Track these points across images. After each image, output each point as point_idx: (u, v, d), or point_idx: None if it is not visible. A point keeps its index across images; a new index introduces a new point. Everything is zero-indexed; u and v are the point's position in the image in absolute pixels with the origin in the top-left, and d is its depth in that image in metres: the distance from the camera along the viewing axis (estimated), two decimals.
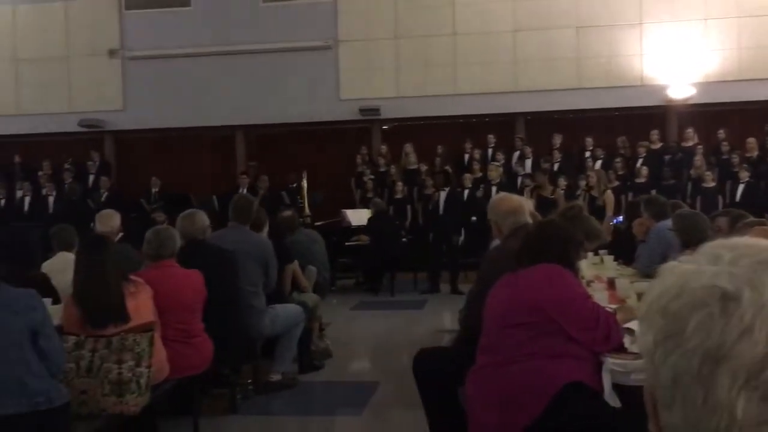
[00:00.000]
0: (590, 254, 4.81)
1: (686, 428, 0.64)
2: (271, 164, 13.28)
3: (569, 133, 12.26)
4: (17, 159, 13.53)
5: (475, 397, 2.81)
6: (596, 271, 4.79)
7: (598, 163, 11.37)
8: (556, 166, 11.53)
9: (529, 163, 11.76)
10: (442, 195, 10.16)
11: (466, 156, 12.34)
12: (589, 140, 11.93)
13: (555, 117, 12.58)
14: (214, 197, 11.54)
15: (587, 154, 11.78)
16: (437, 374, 3.45)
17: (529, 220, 3.72)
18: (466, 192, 10.94)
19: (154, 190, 12.48)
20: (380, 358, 6.37)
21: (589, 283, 4.03)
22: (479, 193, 10.74)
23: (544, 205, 8.84)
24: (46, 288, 4.04)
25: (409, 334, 7.09)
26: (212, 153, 13.90)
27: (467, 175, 11.16)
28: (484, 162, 11.84)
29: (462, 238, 9.99)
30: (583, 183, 10.13)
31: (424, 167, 11.92)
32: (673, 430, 0.66)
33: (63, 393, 2.94)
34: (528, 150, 11.99)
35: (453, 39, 12.86)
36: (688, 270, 0.68)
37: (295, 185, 11.81)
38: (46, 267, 4.62)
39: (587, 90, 12.28)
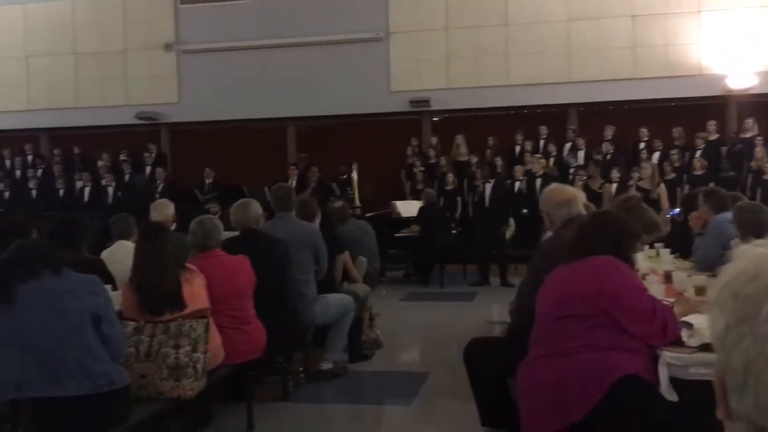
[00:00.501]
0: (645, 247, 4.72)
1: (757, 414, 0.63)
2: (321, 156, 13.38)
3: (623, 125, 12.02)
4: (77, 150, 13.94)
5: (527, 388, 2.80)
6: (652, 264, 4.70)
7: (656, 156, 11.13)
8: (608, 158, 11.33)
9: (581, 155, 11.58)
10: (488, 187, 10.08)
11: (518, 148, 12.22)
12: (643, 131, 11.67)
13: (609, 108, 12.35)
14: (266, 188, 11.68)
15: (641, 145, 11.53)
16: (488, 365, 3.45)
17: (583, 212, 3.67)
18: (517, 184, 10.85)
19: (207, 181, 12.71)
20: (430, 348, 6.38)
21: (644, 276, 3.95)
22: (521, 185, 10.63)
23: (592, 197, 8.71)
24: (104, 274, 4.16)
25: (459, 326, 7.07)
26: (264, 145, 14.07)
27: (518, 167, 11.06)
28: (536, 154, 11.70)
29: (513, 230, 9.90)
30: (636, 175, 9.93)
31: (474, 159, 11.85)
32: (743, 416, 0.64)
33: (124, 376, 3.03)
34: (581, 141, 11.80)
35: (505, 29, 12.72)
36: (764, 254, 0.67)
37: (345, 177, 11.89)
38: (105, 255, 4.75)
39: (643, 80, 12.01)
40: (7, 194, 13.02)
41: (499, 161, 11.36)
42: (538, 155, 11.42)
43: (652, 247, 5.18)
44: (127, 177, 12.99)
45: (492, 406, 3.46)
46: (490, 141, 12.34)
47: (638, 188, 9.03)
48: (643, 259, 4.57)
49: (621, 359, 2.64)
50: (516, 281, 8.60)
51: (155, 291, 3.47)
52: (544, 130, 12.28)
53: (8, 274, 2.87)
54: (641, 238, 3.21)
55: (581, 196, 3.85)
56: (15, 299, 2.82)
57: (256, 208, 4.82)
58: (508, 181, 10.74)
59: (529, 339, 2.92)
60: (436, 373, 5.35)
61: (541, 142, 12.18)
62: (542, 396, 2.67)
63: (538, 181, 10.39)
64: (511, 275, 9.36)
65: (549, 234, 3.81)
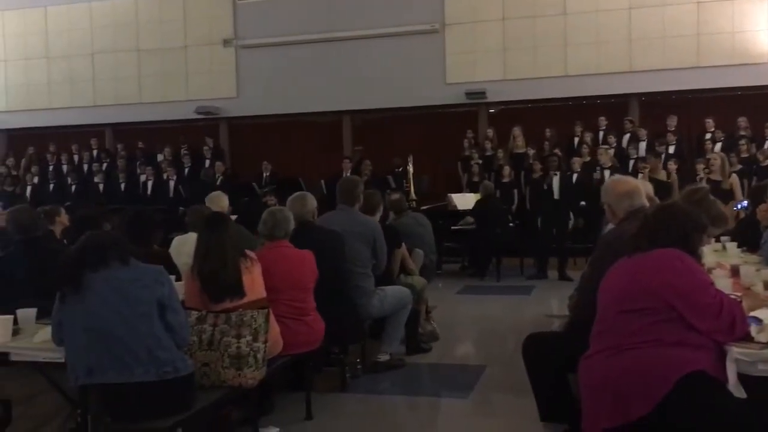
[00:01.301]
0: (712, 240, 4.58)
1: None
2: (376, 149, 13.43)
3: (687, 115, 11.70)
4: (140, 145, 14.32)
5: (589, 383, 2.75)
6: (718, 258, 4.56)
7: (718, 146, 10.79)
8: (671, 149, 11.03)
9: (643, 146, 11.30)
10: (555, 179, 9.94)
11: (576, 139, 12.01)
12: (709, 122, 11.32)
13: (672, 98, 12.02)
14: (322, 181, 11.81)
15: (707, 136, 11.19)
16: (547, 359, 3.40)
17: (646, 204, 3.59)
18: (575, 176, 10.66)
19: (265, 174, 12.91)
20: (487, 342, 6.33)
21: (710, 270, 3.84)
22: (596, 175, 10.43)
23: (657, 189, 8.47)
24: (169, 266, 4.27)
25: (516, 320, 7.01)
26: (320, 138, 14.19)
27: (576, 159, 10.87)
28: (595, 145, 11.48)
29: (572, 222, 9.75)
30: (702, 166, 9.63)
31: (531, 151, 11.70)
32: None
33: (188, 364, 3.10)
34: (642, 132, 11.52)
35: (563, 19, 12.51)
36: None
37: (400, 169, 11.90)
38: (175, 243, 4.89)
39: (707, 68, 11.66)
40: (74, 188, 13.47)
41: (558, 153, 11.19)
42: (605, 146, 11.20)
43: (717, 240, 5.03)
44: (186, 171, 13.29)
45: (551, 401, 3.42)
46: (548, 133, 12.17)
47: (708, 180, 8.75)
48: (709, 252, 4.45)
49: (687, 355, 2.57)
50: (574, 275, 8.49)
51: (216, 278, 3.54)
52: (603, 121, 12.04)
53: (79, 263, 2.97)
54: (708, 231, 3.11)
55: (646, 188, 3.76)
56: (85, 288, 2.92)
57: (311, 201, 4.86)
58: (567, 173, 10.57)
59: (589, 333, 2.87)
60: (492, 366, 5.32)
61: (601, 134, 11.94)
62: (605, 391, 2.62)
63: (606, 173, 10.18)
64: (569, 269, 9.23)
65: (611, 226, 3.74)
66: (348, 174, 11.62)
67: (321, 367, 4.92)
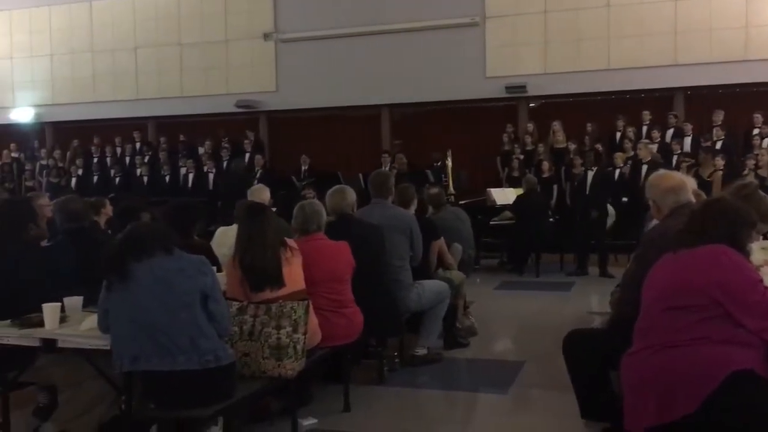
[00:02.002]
0: (760, 237, 4.46)
1: None
2: (415, 142, 13.40)
3: (734, 109, 11.41)
4: (182, 138, 14.52)
5: (632, 381, 2.71)
6: (767, 255, 4.44)
7: (766, 141, 10.52)
8: (718, 144, 10.78)
9: (688, 141, 11.07)
10: (590, 174, 9.79)
11: (618, 134, 11.82)
12: (757, 116, 11.02)
13: (719, 92, 11.74)
14: (360, 175, 11.81)
15: (755, 131, 10.90)
16: (589, 356, 3.36)
17: (692, 199, 3.51)
18: (617, 171, 10.50)
19: (303, 167, 12.97)
20: (525, 338, 6.28)
21: (758, 267, 3.74)
22: (645, 171, 10.25)
23: (701, 185, 8.30)
24: (209, 256, 4.32)
25: (556, 316, 6.93)
26: (359, 132, 14.21)
27: (619, 154, 10.71)
28: (638, 140, 11.28)
29: (613, 219, 9.60)
30: (750, 162, 9.39)
31: (572, 146, 11.55)
32: None
33: (229, 353, 3.14)
34: (688, 127, 11.28)
35: (606, 11, 12.30)
36: None
37: (439, 163, 11.84)
38: (218, 234, 4.96)
39: (756, 62, 11.35)
40: (117, 180, 13.73)
41: (600, 148, 11.02)
42: (646, 141, 11.00)
43: (766, 237, 4.90)
44: (226, 164, 13.44)
45: (592, 398, 3.37)
46: (589, 127, 11.99)
47: (756, 176, 8.54)
48: (757, 249, 4.33)
49: (734, 353, 2.51)
50: (616, 272, 8.37)
51: (256, 267, 3.57)
52: (647, 115, 11.83)
53: (124, 253, 3.02)
54: (757, 228, 3.04)
55: (691, 184, 3.68)
56: (130, 277, 2.98)
57: (351, 194, 4.86)
58: (609, 168, 10.41)
59: (632, 330, 2.83)
60: (531, 363, 5.27)
61: (644, 128, 11.73)
62: (649, 389, 2.58)
63: (644, 168, 10.01)
64: (611, 266, 9.09)
65: (655, 222, 3.67)
66: (387, 168, 11.63)
67: (359, 360, 4.93)
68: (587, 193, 9.79)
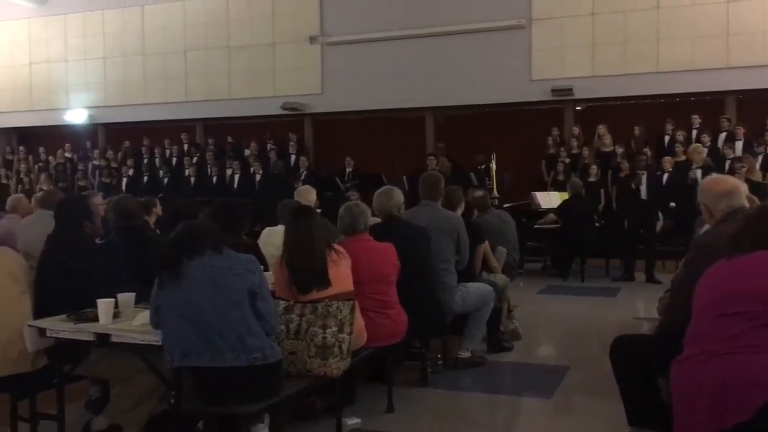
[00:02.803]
0: None
1: None
2: (459, 145, 13.37)
3: None
4: (229, 140, 14.75)
5: (681, 388, 2.66)
6: None
7: None
8: None
9: (740, 145, 10.81)
10: (643, 179, 9.63)
11: (666, 138, 11.61)
12: None
13: None
14: (404, 177, 11.84)
15: None
16: (636, 362, 3.31)
17: (746, 204, 3.44)
18: (666, 176, 10.31)
19: (348, 169, 13.06)
20: (570, 343, 6.21)
21: None
22: (692, 175, 10.06)
23: (751, 190, 8.08)
24: (255, 255, 4.39)
25: (601, 321, 6.85)
26: (403, 134, 14.24)
27: (667, 158, 10.52)
28: (688, 144, 11.05)
29: (661, 224, 9.43)
30: None
31: (619, 149, 11.39)
32: None
33: (276, 351, 3.19)
34: (740, 131, 11.02)
35: (656, 13, 12.11)
36: None
37: (483, 166, 11.80)
38: (265, 234, 5.03)
39: None
40: (166, 180, 14.01)
41: (648, 152, 10.84)
42: (698, 145, 10.78)
43: None
44: (271, 164, 13.59)
45: (640, 405, 3.32)
46: (636, 131, 11.82)
47: None
48: None
49: None
50: (663, 278, 8.21)
51: (304, 268, 3.62)
52: (696, 119, 11.60)
53: (176, 251, 3.09)
54: None
55: (744, 188, 3.60)
56: (182, 274, 3.04)
57: (397, 195, 4.87)
58: (657, 173, 10.23)
59: (682, 336, 2.78)
60: (576, 368, 5.21)
61: (694, 132, 11.50)
62: (699, 396, 2.53)
63: (698, 173, 9.81)
64: (658, 272, 8.93)
65: (707, 227, 3.60)
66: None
67: (402, 361, 4.94)
68: (634, 197, 9.63)
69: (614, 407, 3.54)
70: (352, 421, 4.00)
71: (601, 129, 11.98)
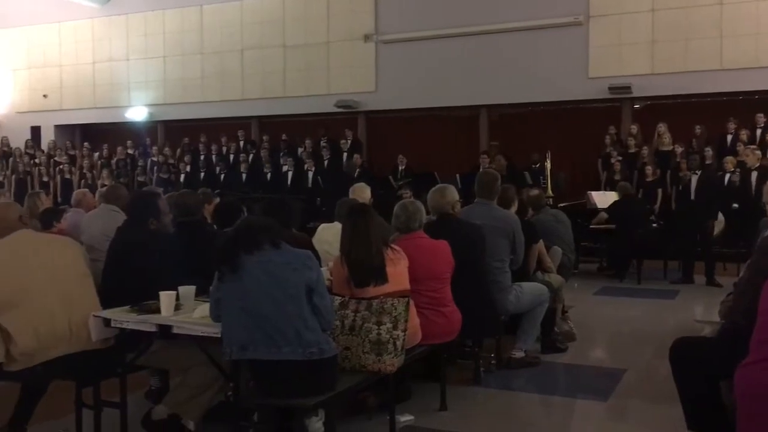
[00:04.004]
0: None
1: None
2: (513, 144, 13.25)
3: None
4: (283, 137, 14.94)
5: (747, 393, 2.59)
6: None
7: None
8: None
9: None
10: (694, 178, 9.38)
11: (729, 137, 11.28)
12: None
13: None
14: (458, 176, 11.79)
15: None
16: (698, 365, 3.23)
17: None
18: (728, 176, 10.02)
19: (400, 167, 13.07)
20: (626, 345, 6.09)
21: None
22: (734, 177, 9.79)
23: None
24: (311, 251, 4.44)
25: (658, 324, 6.71)
26: (456, 132, 14.19)
27: (729, 158, 10.22)
28: (752, 144, 10.72)
29: (722, 226, 9.17)
30: None
31: (679, 148, 11.12)
32: None
33: (332, 346, 3.22)
34: None
35: (719, 9, 11.78)
36: None
37: (537, 165, 11.67)
38: (320, 230, 5.09)
39: None
40: (222, 176, 14.27)
41: (709, 151, 10.55)
42: (753, 146, 10.45)
43: None
44: (326, 162, 13.71)
45: (701, 409, 3.25)
46: (697, 130, 11.52)
47: None
48: None
49: None
50: (724, 281, 7.99)
51: (361, 263, 3.65)
52: (761, 118, 11.24)
53: (235, 245, 3.16)
54: None
55: None
56: (241, 269, 3.10)
57: (452, 193, 4.85)
58: (719, 173, 9.94)
59: (746, 340, 2.70)
60: (633, 371, 5.12)
61: (758, 131, 11.14)
62: (765, 401, 2.46)
63: (754, 175, 9.52)
64: (719, 274, 8.70)
65: None
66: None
67: (455, 359, 4.94)
68: (693, 197, 9.40)
69: (672, 412, 3.47)
70: (405, 418, 4.01)
71: (661, 128, 11.71)
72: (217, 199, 5.95)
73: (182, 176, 14.55)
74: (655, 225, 9.81)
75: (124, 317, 3.45)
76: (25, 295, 3.39)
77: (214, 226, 5.19)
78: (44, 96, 17.35)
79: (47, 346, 3.38)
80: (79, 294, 3.56)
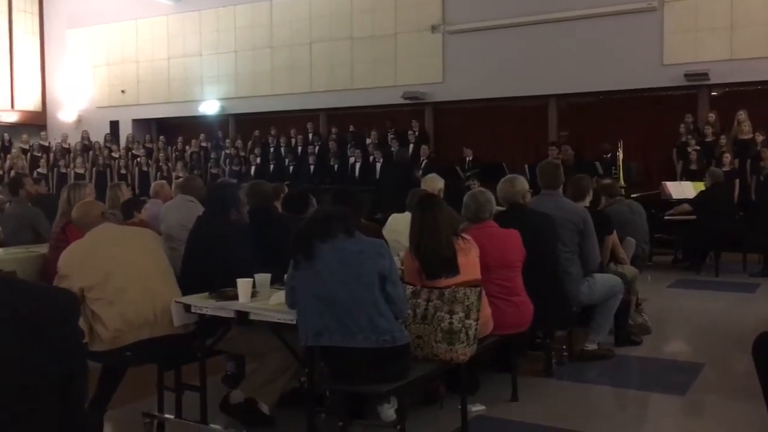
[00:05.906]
0: None
1: None
2: (584, 133, 13.00)
3: None
4: (351, 128, 15.05)
5: None
6: None
7: None
8: None
9: None
10: None
11: None
12: None
13: None
14: (526, 166, 11.64)
15: None
16: None
17: None
18: None
19: (467, 158, 13.00)
20: (704, 339, 5.91)
21: None
22: None
23: None
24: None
25: (738, 318, 6.49)
26: (525, 122, 14.00)
27: None
28: None
29: None
30: None
31: (760, 137, 10.68)
32: None
33: (405, 334, 3.25)
34: None
35: None
36: None
37: (609, 155, 11.41)
38: (390, 220, 5.14)
39: None
40: (291, 168, 14.50)
41: None
42: None
43: None
44: (394, 153, 13.74)
45: None
46: None
47: None
48: None
49: None
50: None
51: (431, 255, 3.65)
52: None
53: (309, 234, 3.22)
54: None
55: None
56: (315, 257, 3.16)
57: (522, 183, 4.81)
58: None
59: None
60: (711, 366, 4.98)
61: None
62: None
63: None
64: None
65: None
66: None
67: (526, 351, 4.90)
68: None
69: (753, 409, 3.36)
70: (477, 408, 4.01)
71: (741, 115, 11.26)
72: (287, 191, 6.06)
73: (252, 168, 14.85)
74: (737, 216, 9.43)
75: (204, 303, 3.56)
76: (110, 281, 3.54)
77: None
78: (122, 91, 17.97)
79: (132, 329, 3.53)
80: (161, 281, 3.70)
